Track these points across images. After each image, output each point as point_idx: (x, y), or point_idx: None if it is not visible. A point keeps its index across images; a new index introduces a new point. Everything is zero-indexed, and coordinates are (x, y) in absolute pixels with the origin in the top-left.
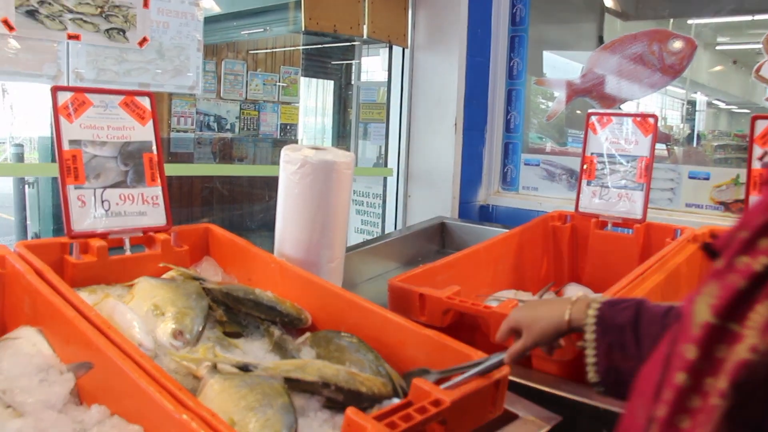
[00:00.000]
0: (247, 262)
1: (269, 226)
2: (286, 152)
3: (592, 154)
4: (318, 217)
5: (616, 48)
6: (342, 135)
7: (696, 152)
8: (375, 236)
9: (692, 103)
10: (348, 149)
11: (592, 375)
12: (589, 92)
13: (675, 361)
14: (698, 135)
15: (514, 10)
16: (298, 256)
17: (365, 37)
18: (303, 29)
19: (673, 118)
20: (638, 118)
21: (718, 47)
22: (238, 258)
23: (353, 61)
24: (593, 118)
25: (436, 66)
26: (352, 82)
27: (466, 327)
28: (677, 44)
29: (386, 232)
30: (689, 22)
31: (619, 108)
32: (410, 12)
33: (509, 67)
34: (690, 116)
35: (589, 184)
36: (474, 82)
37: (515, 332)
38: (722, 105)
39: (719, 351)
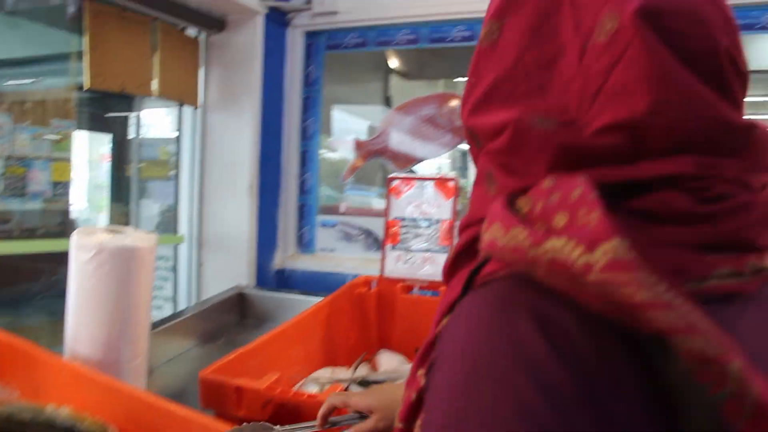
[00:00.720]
0: (32, 370)
1: (50, 309)
2: (77, 237)
3: (395, 218)
4: (117, 311)
5: (408, 109)
6: (120, 193)
7: None
8: (165, 303)
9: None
10: (127, 207)
11: None
12: (384, 152)
13: None
14: None
15: (307, 71)
16: (96, 357)
17: (155, 96)
18: (86, 87)
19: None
20: (439, 182)
21: None
22: (19, 365)
23: (133, 113)
24: (395, 183)
25: (230, 127)
26: (133, 137)
27: (289, 416)
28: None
29: (179, 302)
30: (455, 80)
31: (411, 171)
32: (202, 71)
33: (302, 127)
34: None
35: (393, 248)
36: (268, 144)
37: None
38: None
39: None
